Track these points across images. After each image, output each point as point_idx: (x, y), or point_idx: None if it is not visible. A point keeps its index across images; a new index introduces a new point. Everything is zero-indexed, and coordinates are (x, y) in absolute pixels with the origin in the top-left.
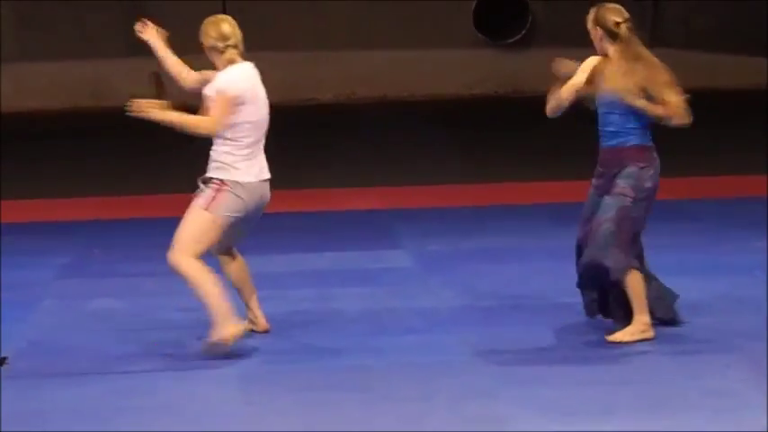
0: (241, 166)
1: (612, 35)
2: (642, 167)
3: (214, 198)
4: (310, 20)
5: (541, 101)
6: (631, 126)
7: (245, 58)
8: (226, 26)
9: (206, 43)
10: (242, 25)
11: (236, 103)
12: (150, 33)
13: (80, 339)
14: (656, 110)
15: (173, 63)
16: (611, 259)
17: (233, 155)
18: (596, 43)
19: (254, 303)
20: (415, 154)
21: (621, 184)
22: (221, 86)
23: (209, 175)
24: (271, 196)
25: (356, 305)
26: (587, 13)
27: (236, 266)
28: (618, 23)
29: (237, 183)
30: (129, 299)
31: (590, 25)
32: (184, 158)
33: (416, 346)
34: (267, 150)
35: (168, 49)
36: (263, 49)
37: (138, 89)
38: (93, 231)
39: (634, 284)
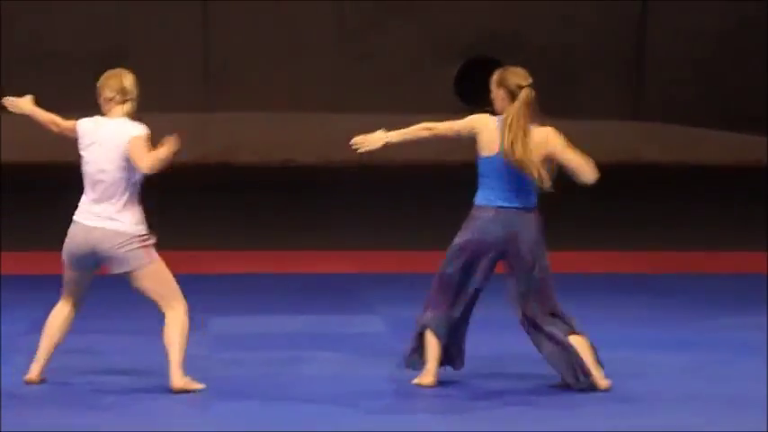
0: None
1: (513, 96)
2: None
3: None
4: (289, 81)
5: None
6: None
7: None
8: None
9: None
10: (223, 85)
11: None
12: (16, 103)
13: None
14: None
15: (41, 114)
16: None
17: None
18: (497, 103)
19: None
20: (391, 218)
21: None
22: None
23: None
24: (247, 257)
25: (325, 369)
26: (566, 84)
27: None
28: (520, 86)
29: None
30: (92, 355)
31: (493, 86)
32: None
33: (383, 411)
34: (242, 211)
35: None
36: (242, 110)
37: None
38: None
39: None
